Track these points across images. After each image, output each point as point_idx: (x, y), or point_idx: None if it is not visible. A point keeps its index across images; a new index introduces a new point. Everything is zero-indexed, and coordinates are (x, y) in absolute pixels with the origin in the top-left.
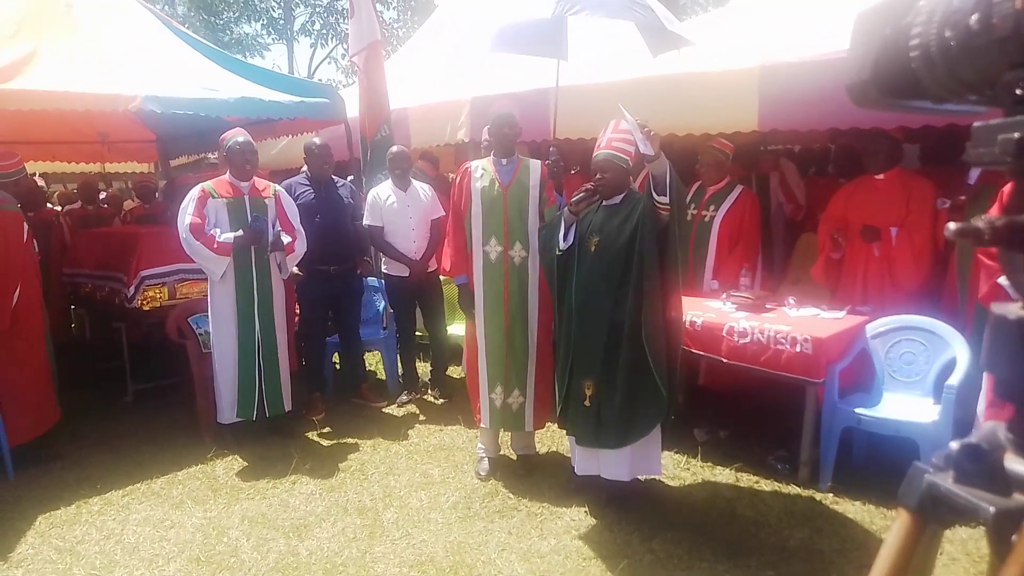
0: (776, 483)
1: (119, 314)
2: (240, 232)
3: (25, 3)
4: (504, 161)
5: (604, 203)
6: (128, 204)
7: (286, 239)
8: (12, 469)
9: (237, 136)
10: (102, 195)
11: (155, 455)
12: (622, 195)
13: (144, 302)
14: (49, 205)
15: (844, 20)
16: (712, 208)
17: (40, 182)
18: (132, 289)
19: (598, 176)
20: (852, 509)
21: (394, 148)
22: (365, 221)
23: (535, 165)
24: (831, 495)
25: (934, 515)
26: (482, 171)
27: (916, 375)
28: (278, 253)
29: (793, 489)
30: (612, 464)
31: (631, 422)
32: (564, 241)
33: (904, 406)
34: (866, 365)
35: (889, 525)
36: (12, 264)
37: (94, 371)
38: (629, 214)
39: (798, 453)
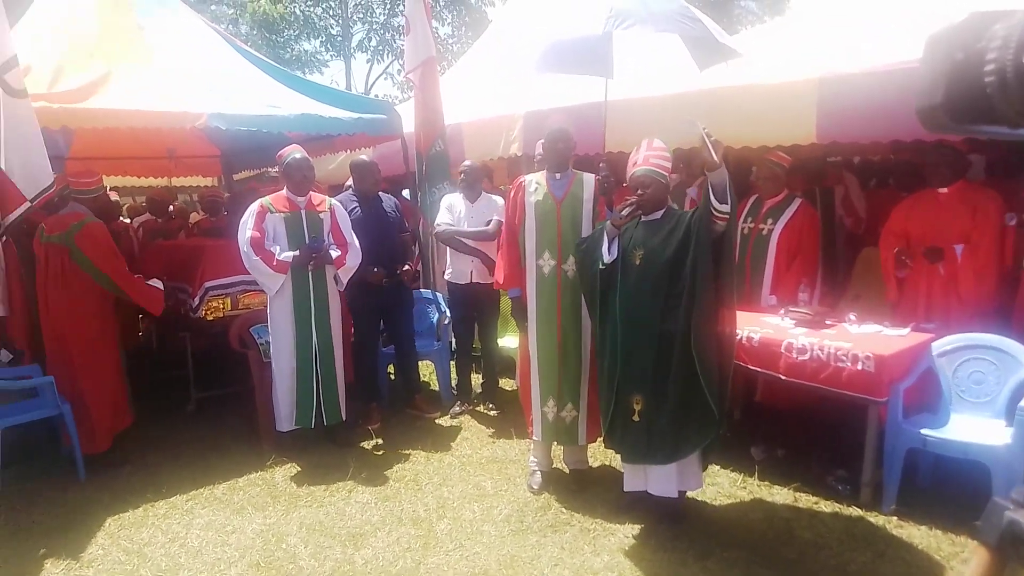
0: (836, 504)
1: (184, 324)
2: (298, 252)
3: (101, 26)
4: (558, 175)
5: (644, 218)
6: (195, 216)
7: (336, 253)
8: (83, 471)
9: (294, 153)
10: (169, 208)
11: (217, 461)
12: (662, 211)
13: (208, 312)
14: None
15: (905, 30)
16: (770, 221)
17: (114, 196)
18: (197, 299)
19: (639, 191)
20: (917, 534)
21: (468, 162)
22: (438, 221)
23: (589, 179)
24: (895, 518)
25: (1015, 554)
26: (536, 185)
27: (986, 396)
28: (330, 267)
29: (854, 511)
30: (661, 480)
31: (682, 437)
32: (608, 255)
33: (973, 428)
34: (932, 385)
35: (957, 551)
36: (122, 260)
37: (159, 379)
38: (673, 228)
39: (859, 474)
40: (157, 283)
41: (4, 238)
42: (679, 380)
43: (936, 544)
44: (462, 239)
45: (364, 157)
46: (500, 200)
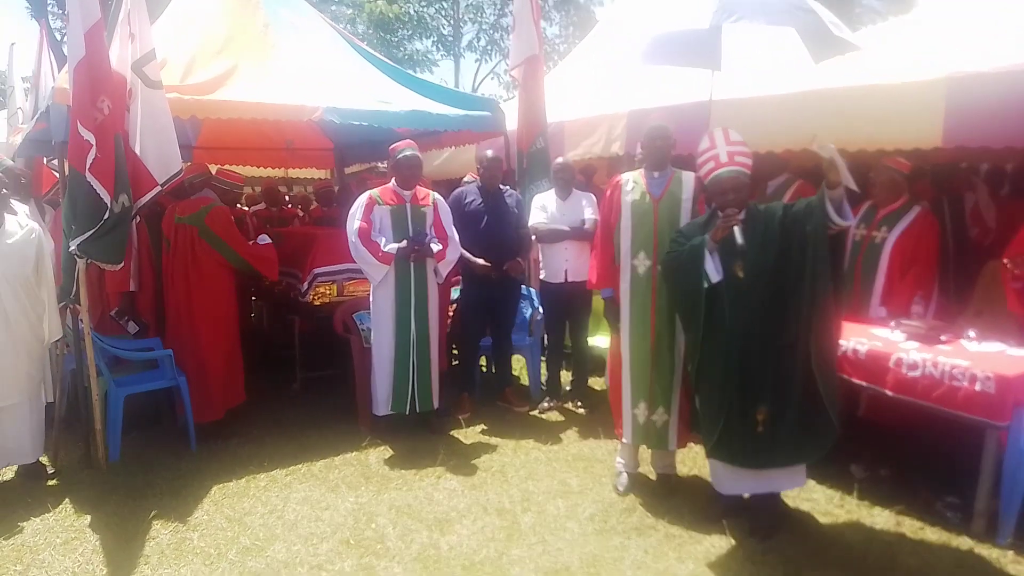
0: (945, 532)
1: (293, 307)
2: (404, 243)
3: (230, 23)
4: (656, 174)
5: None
6: (313, 206)
7: (437, 247)
8: (195, 442)
9: (406, 149)
10: (287, 197)
11: (316, 439)
12: (744, 211)
13: (315, 297)
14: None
15: None
16: (884, 229)
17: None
18: (306, 285)
19: (730, 196)
20: None
21: (559, 160)
22: (533, 221)
23: (688, 177)
24: (1011, 552)
25: None
26: (633, 183)
27: None
28: (430, 259)
29: (965, 541)
30: (785, 478)
31: (805, 441)
32: (716, 274)
33: None
34: None
35: None
36: (244, 238)
37: (269, 358)
38: (765, 232)
39: (972, 501)
40: (265, 238)
41: (138, 219)
42: (802, 389)
43: None
44: (556, 231)
45: (489, 152)
46: (591, 196)
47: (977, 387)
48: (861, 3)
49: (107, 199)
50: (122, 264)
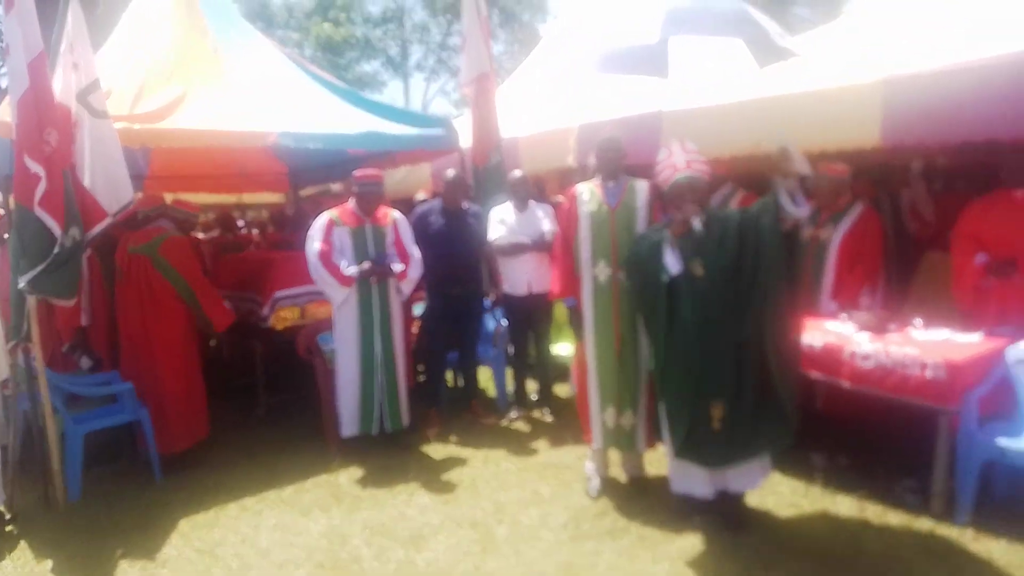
0: (906, 515)
1: (254, 332)
2: (365, 265)
3: (178, 50)
4: (611, 183)
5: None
6: (269, 230)
7: (399, 267)
8: (159, 474)
9: (368, 182)
10: (241, 222)
11: (285, 464)
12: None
13: (277, 321)
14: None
15: (968, 28)
16: (830, 227)
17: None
18: (267, 309)
19: (687, 197)
20: (997, 548)
21: (515, 173)
22: (492, 235)
23: (642, 186)
24: (970, 531)
25: None
26: (589, 194)
27: None
28: (392, 279)
29: (926, 523)
30: (743, 476)
31: (759, 436)
32: (675, 266)
33: None
34: (1007, 393)
35: None
36: (202, 272)
37: (231, 386)
38: (723, 232)
39: (929, 483)
40: (228, 306)
41: (88, 251)
42: (757, 385)
43: (1019, 560)
44: (516, 245)
45: (452, 172)
46: (548, 207)
47: (928, 374)
48: (792, 12)
49: (58, 233)
50: (75, 299)
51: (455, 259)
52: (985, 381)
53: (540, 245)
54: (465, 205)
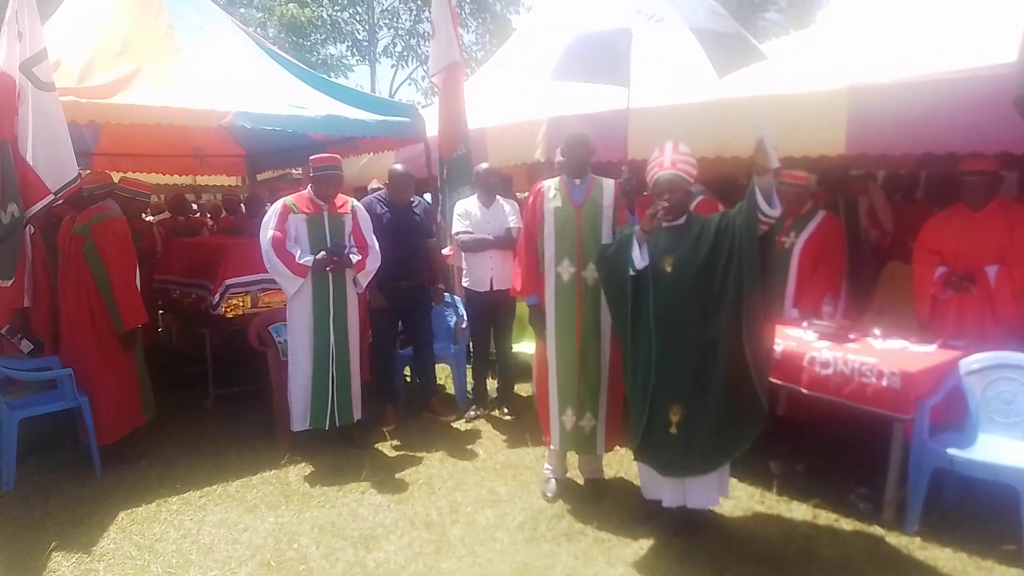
0: (858, 523)
1: (204, 320)
2: (321, 255)
3: (131, 25)
4: (577, 181)
5: (666, 224)
6: (222, 215)
7: (356, 257)
8: (99, 466)
9: (327, 167)
10: (194, 206)
11: (232, 458)
12: (685, 216)
13: (228, 310)
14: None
15: (941, 38)
16: (792, 235)
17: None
18: (217, 297)
19: (666, 196)
20: (943, 556)
21: (483, 165)
22: (456, 230)
23: (608, 184)
24: (919, 539)
25: None
26: (555, 191)
27: (1016, 416)
28: (349, 270)
29: (877, 530)
30: (702, 491)
31: (723, 445)
32: (640, 261)
33: (1003, 450)
34: (959, 403)
35: None
36: (132, 263)
37: (179, 374)
38: (700, 233)
39: (882, 492)
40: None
41: (32, 230)
42: (718, 390)
43: (962, 568)
44: (482, 241)
45: (400, 167)
46: (514, 203)
47: (884, 383)
48: (765, 17)
49: None
50: (13, 279)
51: (399, 253)
52: (938, 391)
53: (504, 242)
54: (413, 199)
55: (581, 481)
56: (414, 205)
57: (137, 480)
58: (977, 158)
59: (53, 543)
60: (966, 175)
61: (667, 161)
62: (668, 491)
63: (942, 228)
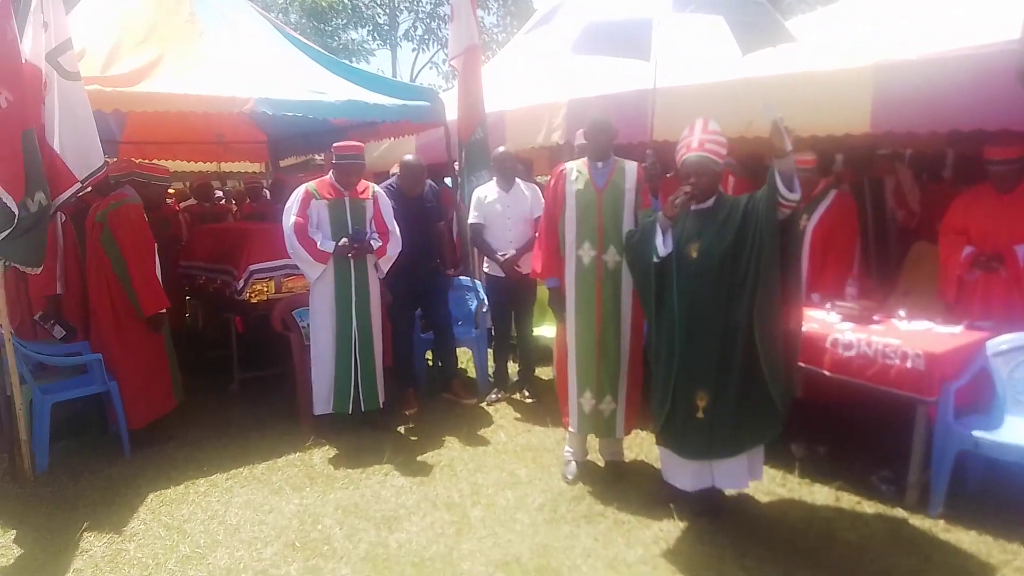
0: (880, 506)
1: (229, 305)
2: (343, 241)
3: (153, 12)
4: (600, 164)
5: (694, 207)
6: (246, 202)
7: (377, 243)
8: (129, 448)
9: (349, 154)
10: (218, 193)
11: (257, 441)
12: (713, 199)
13: (252, 295)
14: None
15: (962, 17)
16: (805, 217)
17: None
18: (242, 282)
19: (692, 179)
20: (967, 539)
21: (500, 149)
22: (469, 220)
23: (631, 167)
24: (942, 522)
25: None
26: (577, 173)
27: None
28: (371, 255)
29: (900, 513)
30: (729, 474)
31: (745, 431)
32: (664, 248)
33: None
34: (985, 385)
35: (1008, 559)
36: (149, 249)
37: (205, 359)
38: (728, 216)
39: (905, 475)
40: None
41: (64, 218)
42: (744, 375)
43: (987, 551)
44: (487, 243)
45: (411, 158)
46: (535, 188)
47: (908, 364)
48: None
49: (8, 201)
50: (42, 267)
51: (415, 241)
52: (964, 373)
53: (523, 250)
54: (425, 188)
55: (601, 464)
56: (425, 193)
57: (165, 462)
58: (1001, 145)
59: (85, 523)
60: (991, 164)
61: (695, 142)
62: (693, 474)
63: (968, 208)
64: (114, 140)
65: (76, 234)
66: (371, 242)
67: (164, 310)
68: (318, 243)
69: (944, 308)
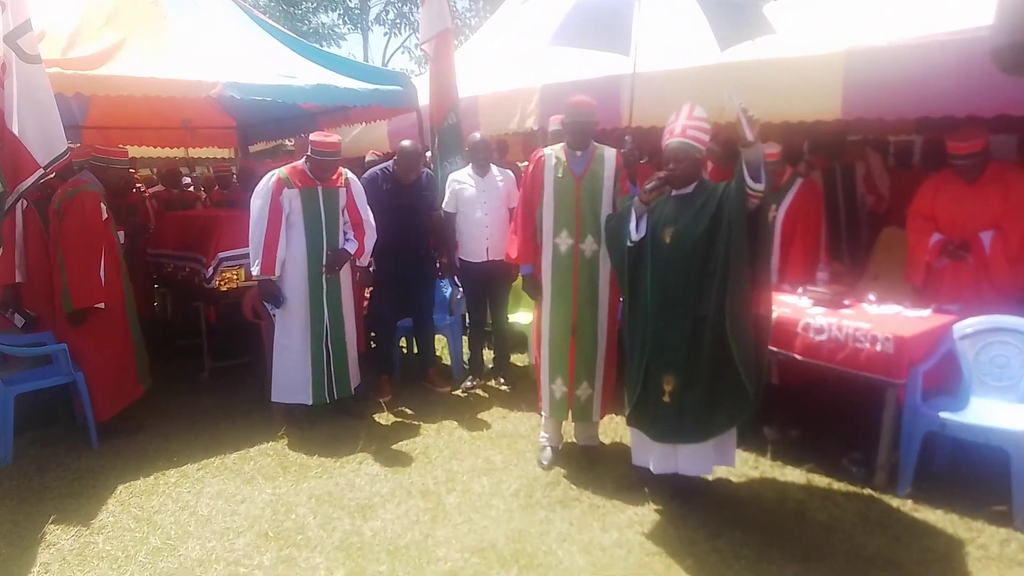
0: (850, 487)
1: (198, 294)
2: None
3: None
4: (579, 152)
5: (675, 193)
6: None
7: (354, 246)
8: (96, 439)
9: (330, 150)
10: (186, 180)
11: (229, 431)
12: (694, 184)
13: (222, 283)
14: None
15: (935, 1)
16: (774, 207)
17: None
18: (211, 270)
19: (671, 165)
20: (933, 518)
21: (476, 136)
22: (444, 205)
23: (610, 154)
24: (910, 502)
25: None
26: (556, 160)
27: (1009, 380)
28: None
29: (869, 493)
30: (693, 459)
31: (714, 417)
32: (636, 232)
33: (994, 412)
34: (952, 368)
35: (974, 537)
36: (94, 241)
37: (174, 348)
38: (704, 203)
39: (874, 456)
40: (101, 305)
41: (25, 204)
42: (711, 361)
43: (952, 529)
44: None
45: (409, 144)
46: (510, 174)
47: (877, 348)
48: None
49: None
50: (1, 254)
51: (401, 224)
52: (931, 356)
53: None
54: (422, 175)
55: (578, 448)
56: (419, 179)
57: (134, 453)
58: (963, 140)
59: (52, 516)
60: (954, 158)
61: (678, 128)
62: (657, 457)
63: (935, 195)
64: (77, 125)
65: (41, 221)
66: (346, 249)
67: (97, 306)
68: (277, 258)
69: (913, 292)
